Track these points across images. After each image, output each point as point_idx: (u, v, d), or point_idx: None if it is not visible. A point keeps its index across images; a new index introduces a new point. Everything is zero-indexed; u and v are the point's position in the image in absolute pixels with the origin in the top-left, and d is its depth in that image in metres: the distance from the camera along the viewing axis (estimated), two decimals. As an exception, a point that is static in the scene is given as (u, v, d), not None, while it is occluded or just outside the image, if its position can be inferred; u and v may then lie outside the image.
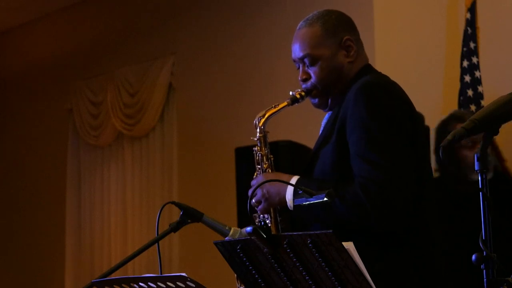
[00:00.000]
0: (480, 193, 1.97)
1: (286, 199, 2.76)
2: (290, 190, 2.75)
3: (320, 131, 2.93)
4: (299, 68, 2.91)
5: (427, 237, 2.71)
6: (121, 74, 7.26)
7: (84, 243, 7.51)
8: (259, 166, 2.95)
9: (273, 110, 2.94)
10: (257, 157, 2.96)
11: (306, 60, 2.87)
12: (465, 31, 5.08)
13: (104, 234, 7.36)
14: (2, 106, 8.52)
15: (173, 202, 2.78)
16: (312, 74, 2.87)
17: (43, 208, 7.92)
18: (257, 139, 2.96)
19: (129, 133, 7.19)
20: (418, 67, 5.43)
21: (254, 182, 2.88)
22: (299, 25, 2.93)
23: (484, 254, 1.92)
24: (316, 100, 2.90)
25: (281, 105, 2.93)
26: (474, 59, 5.03)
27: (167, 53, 6.94)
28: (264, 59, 6.22)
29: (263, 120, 2.93)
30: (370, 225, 2.59)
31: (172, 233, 2.75)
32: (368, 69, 2.89)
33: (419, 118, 2.83)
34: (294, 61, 2.92)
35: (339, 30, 2.87)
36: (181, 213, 2.75)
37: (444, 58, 5.46)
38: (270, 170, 2.94)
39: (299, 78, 2.90)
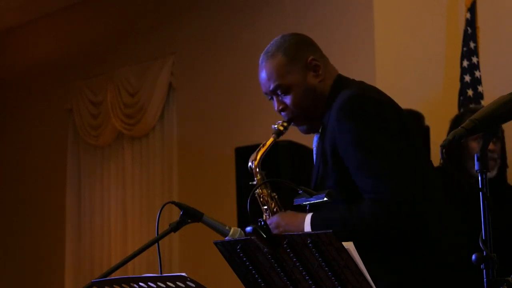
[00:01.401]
0: (480, 193, 1.96)
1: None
2: (308, 226, 2.73)
3: (314, 154, 2.92)
4: (271, 99, 2.90)
5: (427, 238, 2.70)
6: (121, 74, 7.26)
7: (84, 243, 7.51)
8: (265, 207, 2.93)
9: (263, 149, 2.94)
10: (261, 199, 2.95)
11: (278, 91, 2.86)
12: (465, 31, 5.08)
13: (104, 234, 7.36)
14: (2, 106, 8.52)
15: (173, 202, 2.78)
16: (288, 103, 2.86)
17: (43, 208, 7.92)
18: (256, 183, 2.95)
19: (129, 133, 7.19)
20: (418, 67, 5.43)
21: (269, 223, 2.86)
22: (260, 59, 2.92)
23: (484, 254, 1.92)
24: (302, 127, 2.90)
25: (268, 142, 2.93)
26: (474, 59, 5.03)
27: (167, 53, 6.94)
28: (264, 59, 6.21)
29: (255, 163, 2.93)
30: (390, 237, 2.61)
31: (172, 233, 2.75)
32: (341, 81, 2.86)
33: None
34: (266, 93, 2.91)
35: (300, 53, 2.86)
36: (181, 213, 2.76)
37: (444, 58, 5.46)
38: (277, 209, 2.93)
39: (276, 110, 2.90)
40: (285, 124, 2.90)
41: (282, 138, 5.07)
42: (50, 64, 8.04)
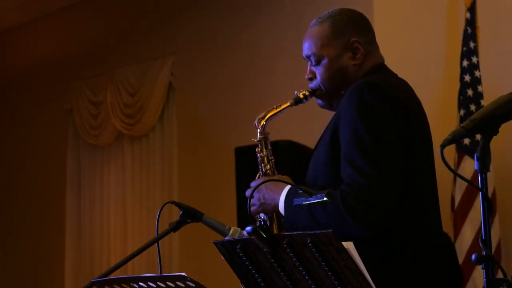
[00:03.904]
0: (480, 193, 1.96)
1: (279, 207, 2.75)
2: (282, 199, 2.73)
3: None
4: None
5: (425, 238, 2.70)
6: (121, 74, 7.26)
7: (84, 242, 7.51)
8: (260, 167, 2.94)
9: (274, 111, 2.91)
10: (259, 159, 2.94)
11: (312, 59, 2.84)
12: (465, 30, 5.08)
13: (104, 233, 7.36)
14: (2, 106, 8.52)
15: (173, 202, 2.78)
16: (317, 74, 2.84)
17: (43, 208, 7.92)
18: (258, 141, 2.94)
19: (129, 133, 7.20)
20: (418, 67, 5.43)
21: (253, 184, 2.87)
22: (311, 22, 2.89)
23: (484, 253, 1.92)
24: (321, 101, 2.88)
25: (283, 106, 2.90)
26: (474, 59, 5.03)
27: (167, 53, 6.94)
28: (264, 59, 6.22)
29: (263, 121, 2.91)
30: (351, 234, 2.51)
31: (172, 232, 2.75)
32: (376, 69, 2.82)
33: (420, 118, 2.77)
34: (304, 59, 2.90)
35: (347, 31, 2.81)
36: (181, 212, 2.76)
37: (444, 57, 5.46)
38: (271, 172, 2.93)
39: (306, 77, 2.88)
40: (306, 93, 2.86)
41: (282, 137, 5.10)
42: (50, 64, 8.04)
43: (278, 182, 2.76)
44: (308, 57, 2.85)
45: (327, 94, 2.84)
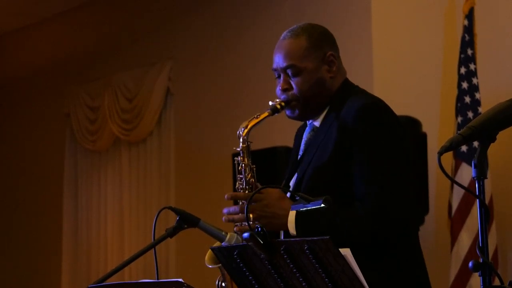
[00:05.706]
0: (477, 200, 1.96)
1: (288, 226, 2.75)
2: (292, 219, 2.73)
3: (303, 143, 2.93)
4: (278, 77, 2.92)
5: (419, 248, 2.74)
6: (119, 79, 7.26)
7: (80, 248, 7.50)
8: (241, 176, 2.94)
9: (256, 120, 2.94)
10: (240, 167, 2.95)
11: (289, 71, 2.88)
12: (463, 37, 5.08)
13: (101, 239, 7.35)
14: (0, 110, 8.51)
15: (170, 207, 2.78)
16: (294, 85, 2.88)
17: (40, 213, 7.91)
18: (240, 150, 2.95)
19: (126, 138, 7.19)
20: (415, 74, 5.44)
21: (242, 197, 2.88)
22: (282, 35, 2.94)
23: (481, 261, 1.92)
24: (296, 111, 2.90)
25: (262, 116, 2.94)
26: (472, 66, 5.03)
27: (165, 58, 6.94)
28: (262, 64, 6.21)
29: (246, 130, 2.93)
30: (374, 244, 2.64)
31: (169, 238, 2.75)
32: (349, 85, 2.92)
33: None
34: (275, 70, 2.93)
35: (323, 45, 2.89)
36: (178, 218, 2.75)
37: (442, 64, 5.47)
38: (253, 180, 2.94)
39: (279, 88, 2.90)
40: (282, 103, 2.91)
41: (279, 144, 5.09)
42: (47, 68, 8.04)
43: (284, 199, 2.77)
44: (284, 68, 2.89)
45: (303, 105, 2.89)
